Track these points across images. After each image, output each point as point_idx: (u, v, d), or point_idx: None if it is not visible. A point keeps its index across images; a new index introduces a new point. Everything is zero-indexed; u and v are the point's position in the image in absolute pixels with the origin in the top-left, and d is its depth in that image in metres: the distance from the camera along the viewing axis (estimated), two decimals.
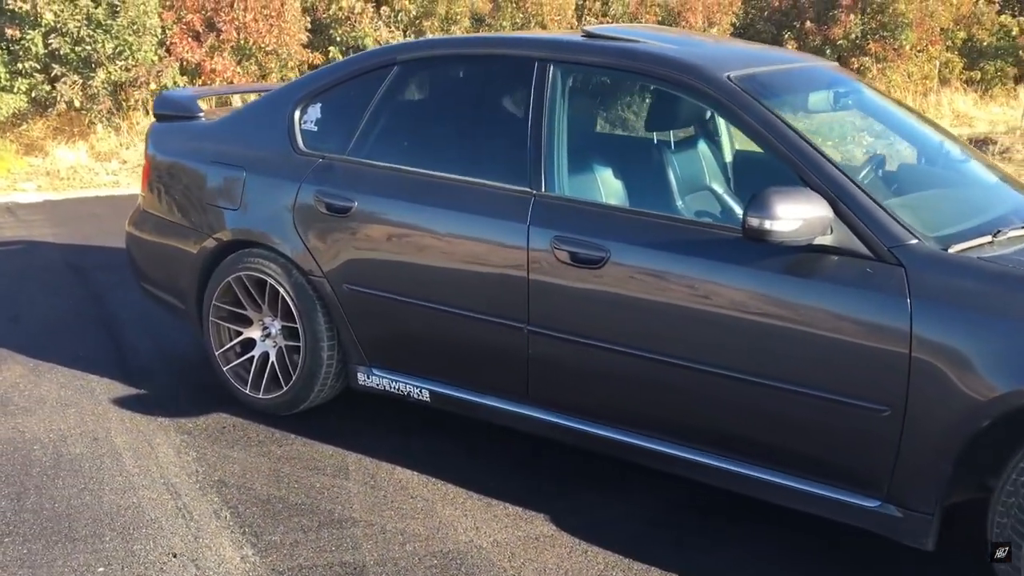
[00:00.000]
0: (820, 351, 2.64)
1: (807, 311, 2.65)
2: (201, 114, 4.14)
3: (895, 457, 2.59)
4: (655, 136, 3.65)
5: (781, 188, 2.59)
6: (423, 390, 3.46)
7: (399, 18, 12.19)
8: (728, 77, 2.98)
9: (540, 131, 3.16)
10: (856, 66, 14.85)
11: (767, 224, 2.55)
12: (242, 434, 3.68)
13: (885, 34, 14.77)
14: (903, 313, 2.51)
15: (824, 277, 2.64)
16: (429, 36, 3.63)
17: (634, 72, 3.21)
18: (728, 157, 3.88)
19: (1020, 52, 16.12)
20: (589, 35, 3.39)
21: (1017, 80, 16.60)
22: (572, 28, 12.78)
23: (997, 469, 2.51)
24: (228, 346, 3.86)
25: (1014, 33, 16.07)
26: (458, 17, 12.45)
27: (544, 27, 12.61)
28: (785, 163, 2.77)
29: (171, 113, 4.21)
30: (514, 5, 12.79)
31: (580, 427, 3.15)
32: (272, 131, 3.77)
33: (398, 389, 3.52)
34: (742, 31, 14.50)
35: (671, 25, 13.18)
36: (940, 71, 15.99)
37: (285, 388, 3.71)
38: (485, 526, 3.06)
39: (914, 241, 2.59)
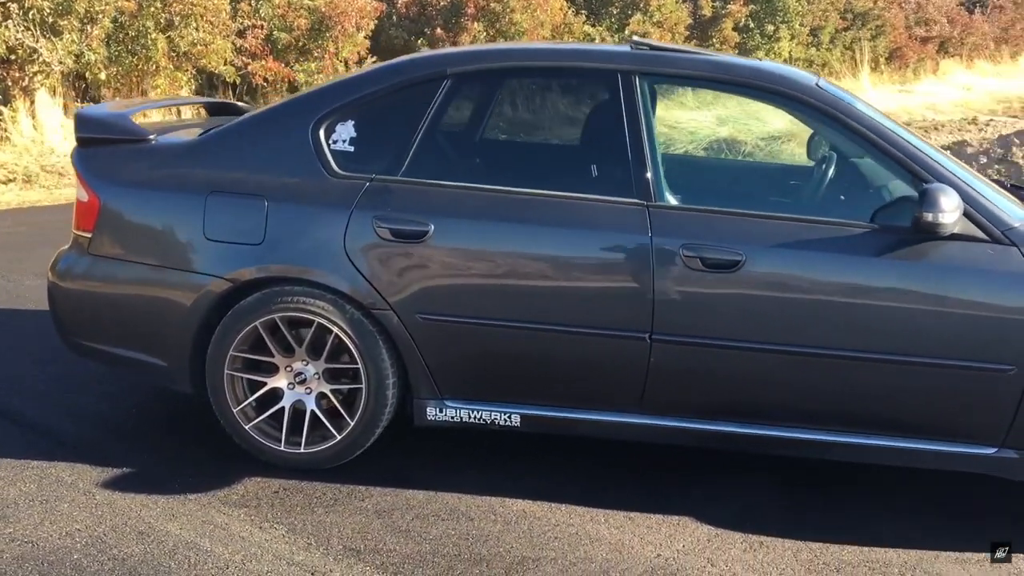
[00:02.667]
0: (956, 325, 3.06)
1: (944, 291, 3.06)
2: (152, 136, 3.56)
3: (1016, 407, 3.07)
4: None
5: (938, 186, 2.96)
6: (512, 415, 3.35)
7: (30, 16, 10.85)
8: (818, 85, 3.28)
9: (641, 143, 3.22)
10: None
11: (940, 218, 2.91)
12: (305, 496, 3.28)
13: (504, 41, 15.93)
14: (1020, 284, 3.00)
15: (956, 261, 3.05)
16: (473, 46, 3.39)
17: (731, 84, 3.38)
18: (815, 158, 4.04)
19: None
20: (638, 45, 3.48)
21: None
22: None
23: None
24: (249, 401, 3.40)
25: (596, 41, 18.11)
26: (99, 16, 11.36)
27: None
28: (898, 164, 3.14)
29: (106, 136, 3.57)
30: (158, 5, 11.90)
31: (703, 427, 3.28)
32: (290, 153, 3.38)
33: (479, 418, 3.37)
34: (375, 36, 14.75)
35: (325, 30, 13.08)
36: None
37: (339, 437, 3.37)
38: (652, 536, 3.10)
39: (1017, 224, 3.09)
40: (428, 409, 3.38)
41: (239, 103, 4.58)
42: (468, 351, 3.31)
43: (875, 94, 18.71)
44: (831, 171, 3.71)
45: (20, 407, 3.89)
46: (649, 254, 3.14)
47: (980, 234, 3.07)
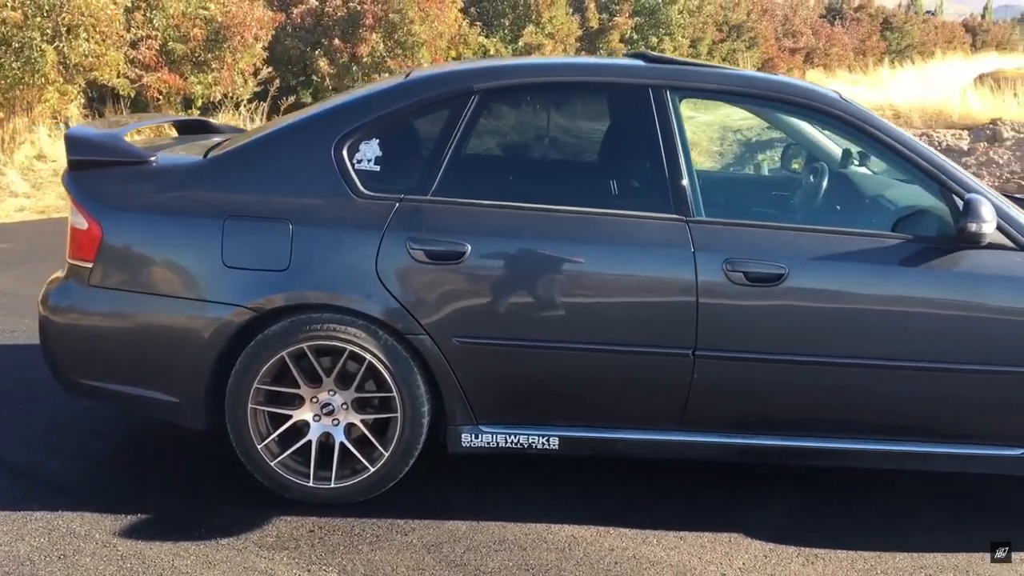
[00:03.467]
0: (990, 331, 3.16)
1: (980, 299, 3.15)
2: (152, 158, 3.34)
3: None
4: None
5: (978, 197, 3.05)
6: (550, 438, 3.28)
7: None
8: (841, 98, 3.33)
9: (676, 157, 3.21)
10: None
11: (983, 228, 3.00)
12: (344, 534, 3.12)
13: (404, 52, 15.81)
14: None
15: (990, 268, 3.14)
16: (497, 61, 3.29)
17: (760, 98, 3.40)
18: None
19: None
20: (648, 59, 3.47)
21: None
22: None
23: None
24: (273, 436, 3.22)
25: (491, 52, 18.17)
26: None
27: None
28: (926, 176, 3.22)
29: (101, 159, 3.33)
30: (44, 15, 11.30)
31: (744, 441, 3.28)
32: (313, 173, 3.23)
33: (516, 443, 3.28)
34: (271, 47, 14.40)
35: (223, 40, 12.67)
36: None
37: (372, 469, 3.22)
38: (709, 555, 3.08)
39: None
40: (463, 435, 3.27)
41: (210, 120, 4.35)
42: (506, 374, 3.22)
43: None
44: (825, 182, 3.76)
45: (1, 452, 3.57)
46: (693, 269, 3.12)
47: (1008, 243, 3.17)
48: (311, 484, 3.23)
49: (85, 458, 3.58)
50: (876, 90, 23.03)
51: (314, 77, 15.36)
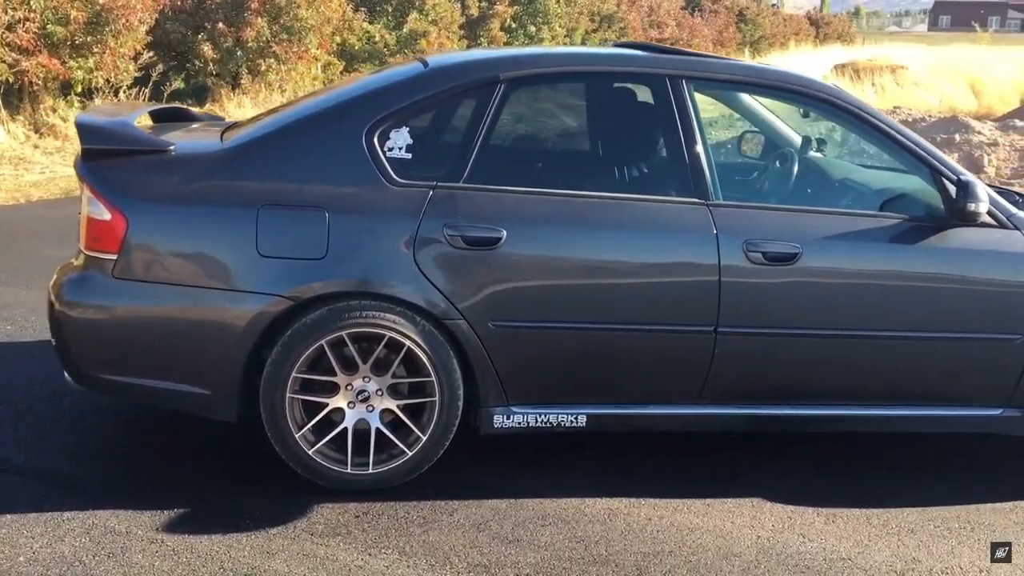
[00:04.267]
0: (979, 301, 3.46)
1: (970, 272, 3.45)
2: (172, 146, 3.29)
3: (1021, 372, 3.53)
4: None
5: (973, 179, 3.34)
6: (578, 416, 3.40)
7: None
8: (837, 88, 3.57)
9: (694, 143, 3.37)
10: (263, 68, 15.47)
11: (980, 207, 3.29)
12: (391, 517, 3.17)
13: (289, 37, 15.55)
14: None
15: (976, 244, 3.44)
16: (522, 50, 3.30)
17: (767, 87, 3.59)
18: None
19: (386, 57, 18.21)
20: (648, 48, 3.63)
21: None
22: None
23: None
24: (312, 423, 3.24)
25: (376, 39, 18.06)
26: None
27: None
28: (918, 160, 3.49)
29: (119, 148, 3.25)
30: None
31: (758, 411, 3.49)
32: (346, 161, 3.24)
33: (546, 422, 3.40)
34: (151, 31, 13.89)
35: None
36: (324, 72, 17.36)
37: (410, 453, 3.28)
38: (740, 520, 3.26)
39: (1016, 211, 3.53)
40: (496, 417, 3.36)
41: (188, 108, 4.25)
42: (539, 355, 3.32)
43: None
44: (795, 166, 4.00)
45: (3, 452, 3.43)
46: (716, 251, 3.29)
47: (992, 222, 3.47)
48: (349, 471, 3.25)
49: (96, 456, 3.49)
50: None
51: (196, 62, 14.90)
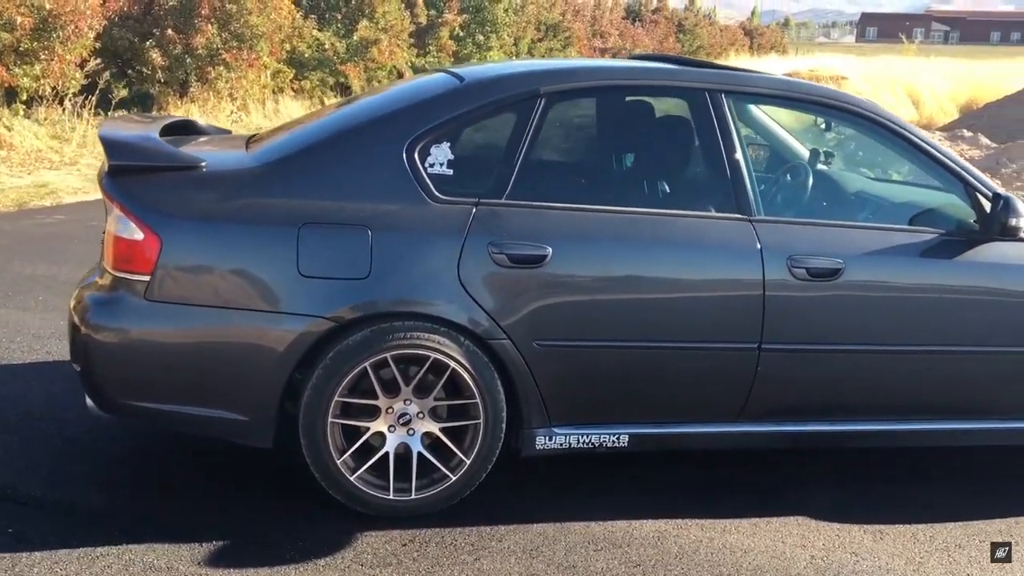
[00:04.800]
0: (1019, 314, 3.47)
1: (1012, 285, 3.46)
2: (203, 162, 3.16)
3: None
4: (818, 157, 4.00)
5: (1012, 196, 3.36)
6: (620, 436, 3.34)
7: None
8: (874, 104, 3.58)
9: (736, 158, 3.34)
10: (212, 75, 15.20)
11: (1022, 223, 3.31)
12: (439, 545, 3.06)
13: (240, 44, 15.29)
14: None
15: (1016, 259, 3.46)
16: (564, 61, 3.25)
17: (805, 102, 3.57)
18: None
19: (336, 65, 18.01)
20: (679, 62, 3.60)
21: (335, 89, 18.54)
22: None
23: None
24: (352, 449, 3.13)
25: (326, 46, 17.84)
26: None
27: None
28: (953, 176, 3.51)
29: (148, 164, 3.11)
30: None
31: (798, 429, 3.47)
32: (386, 178, 3.14)
33: (587, 443, 3.32)
34: (99, 37, 13.50)
35: None
36: (274, 79, 17.12)
37: (454, 477, 3.19)
38: (790, 540, 3.23)
39: None
40: (538, 438, 3.28)
41: (195, 121, 4.10)
42: (583, 375, 3.25)
43: None
44: (810, 180, 3.99)
45: (16, 485, 3.25)
46: (760, 267, 3.26)
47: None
48: (391, 497, 3.14)
49: (129, 484, 3.34)
50: None
51: (143, 69, 14.53)
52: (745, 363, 3.31)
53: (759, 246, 3.27)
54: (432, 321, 3.09)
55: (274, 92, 17.33)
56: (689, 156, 3.50)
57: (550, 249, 3.13)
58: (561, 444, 3.30)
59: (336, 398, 3.05)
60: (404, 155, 3.14)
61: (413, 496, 3.16)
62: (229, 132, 4.22)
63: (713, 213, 3.32)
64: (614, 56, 31.54)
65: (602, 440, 3.32)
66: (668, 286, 3.25)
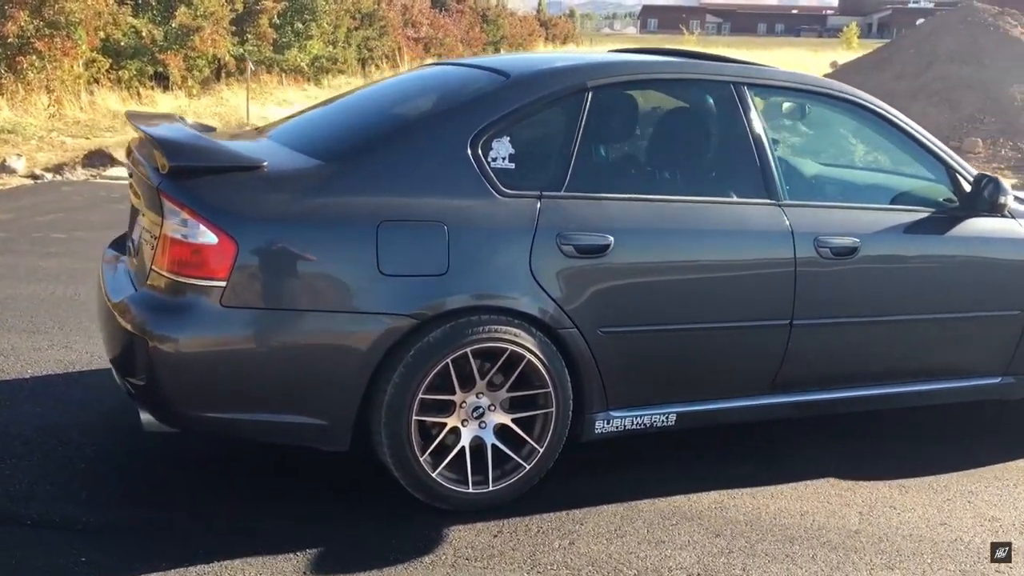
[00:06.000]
0: (992, 281, 3.89)
1: (990, 255, 3.86)
2: (265, 162, 3.06)
3: (1017, 343, 4.02)
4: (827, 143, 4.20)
5: (997, 177, 3.75)
6: (669, 415, 3.49)
7: None
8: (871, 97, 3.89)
9: (764, 146, 3.56)
10: (24, 65, 14.23)
11: (1008, 200, 3.71)
12: (527, 534, 3.10)
13: (54, 32, 14.36)
14: None
15: (990, 232, 3.87)
16: (604, 56, 3.17)
17: (813, 94, 3.81)
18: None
19: (155, 53, 17.18)
20: (693, 56, 3.81)
21: (155, 79, 17.69)
22: None
23: None
24: (434, 445, 3.13)
25: (143, 34, 16.99)
26: None
27: None
28: (938, 160, 3.87)
29: (208, 165, 2.99)
30: None
31: (820, 397, 3.73)
32: (455, 173, 3.13)
33: (641, 423, 3.45)
34: None
35: None
36: (87, 69, 16.15)
37: (528, 466, 3.24)
38: (836, 500, 3.48)
39: (1015, 204, 3.97)
40: (597, 423, 3.37)
41: (176, 115, 3.90)
42: (641, 359, 3.37)
43: None
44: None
45: (62, 512, 3.03)
46: (792, 248, 3.49)
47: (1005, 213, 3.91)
48: (471, 490, 3.16)
49: (191, 499, 3.16)
50: None
51: None
52: (779, 339, 3.54)
53: (791, 229, 3.49)
54: (508, 314, 3.11)
55: (89, 83, 16.30)
56: (723, 145, 3.66)
57: (612, 238, 3.22)
58: (617, 427, 3.40)
59: (420, 396, 3.02)
60: (469, 150, 3.14)
61: (491, 488, 3.18)
62: (213, 128, 4.04)
63: (748, 199, 3.51)
64: (426, 46, 31.53)
65: (653, 420, 3.45)
66: (720, 271, 3.42)
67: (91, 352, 4.40)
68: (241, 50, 19.46)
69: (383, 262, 2.95)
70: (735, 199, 3.50)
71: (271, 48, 20.68)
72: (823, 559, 3.05)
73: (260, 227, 2.90)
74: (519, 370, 3.15)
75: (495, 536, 3.06)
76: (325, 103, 4.11)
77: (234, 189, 2.92)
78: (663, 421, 3.46)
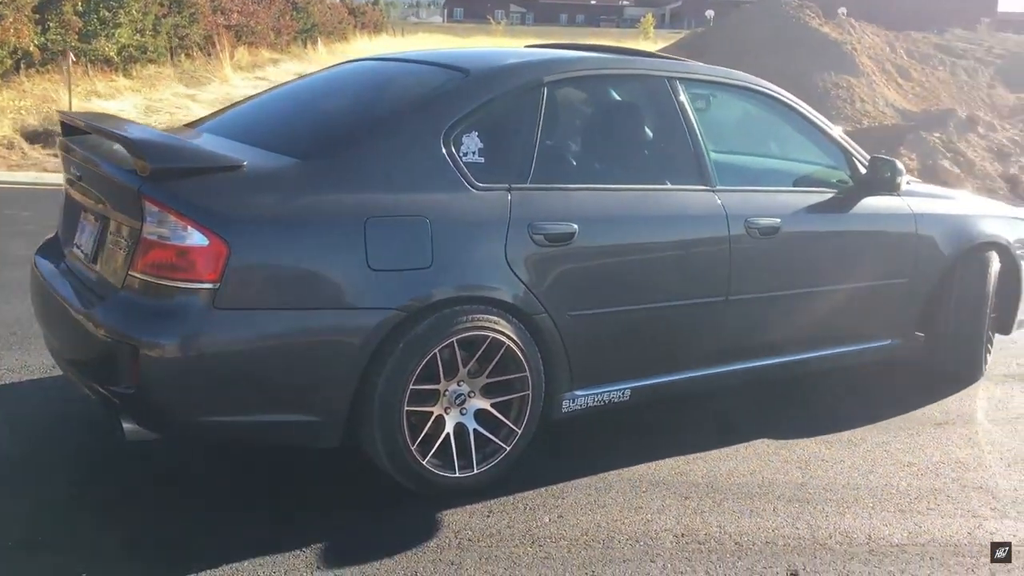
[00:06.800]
0: (887, 252, 4.34)
1: (886, 228, 4.31)
2: (244, 162, 3.06)
3: (907, 308, 4.51)
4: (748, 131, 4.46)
5: (893, 159, 4.19)
6: (624, 391, 3.70)
7: None
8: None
9: (696, 136, 3.84)
10: None
11: (904, 180, 4.15)
12: (518, 512, 3.25)
13: None
14: (913, 221, 4.42)
15: (884, 209, 4.32)
16: (555, 53, 3.12)
17: (734, 87, 4.11)
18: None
19: None
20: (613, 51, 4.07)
21: None
22: None
23: None
24: (423, 434, 3.23)
25: None
26: None
27: None
28: (835, 145, 4.29)
29: (189, 167, 2.97)
30: None
31: (753, 365, 4.05)
32: (431, 168, 3.22)
33: (601, 400, 3.64)
34: None
35: None
36: None
37: (508, 448, 3.39)
38: (786, 454, 3.83)
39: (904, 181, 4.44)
40: (564, 403, 3.55)
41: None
42: (603, 340, 3.57)
43: (240, 81, 19.32)
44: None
45: (91, 534, 2.93)
46: (727, 229, 3.78)
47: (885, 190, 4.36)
48: (457, 475, 3.27)
49: (186, 506, 3.10)
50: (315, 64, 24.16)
51: None
52: (719, 313, 3.83)
53: (724, 212, 3.78)
54: (488, 303, 3.24)
55: None
56: (665, 135, 3.90)
57: (576, 226, 3.40)
58: (581, 405, 3.59)
59: (411, 387, 3.11)
60: (442, 145, 3.23)
61: (476, 471, 3.29)
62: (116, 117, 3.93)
63: (688, 186, 3.77)
64: (238, 33, 30.56)
65: (610, 397, 3.66)
66: (667, 251, 3.67)
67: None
68: (44, 39, 18.28)
69: (372, 257, 3.00)
70: (679, 186, 3.75)
71: (76, 38, 19.53)
72: (783, 511, 3.34)
73: (251, 228, 2.89)
74: (498, 356, 3.26)
75: (487, 517, 3.18)
76: (251, 99, 4.08)
77: (221, 190, 2.89)
78: (619, 397, 3.67)
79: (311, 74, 4.28)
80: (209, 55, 26.62)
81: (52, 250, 3.66)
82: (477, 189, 3.24)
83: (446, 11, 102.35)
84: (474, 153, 3.29)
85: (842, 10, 22.05)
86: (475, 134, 3.30)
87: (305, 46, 36.40)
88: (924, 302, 4.53)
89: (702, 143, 3.81)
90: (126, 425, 2.93)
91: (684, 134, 3.79)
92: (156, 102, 14.53)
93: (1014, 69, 22.56)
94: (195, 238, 2.82)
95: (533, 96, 3.47)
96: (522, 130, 3.43)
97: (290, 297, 2.94)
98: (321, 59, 28.01)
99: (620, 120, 3.96)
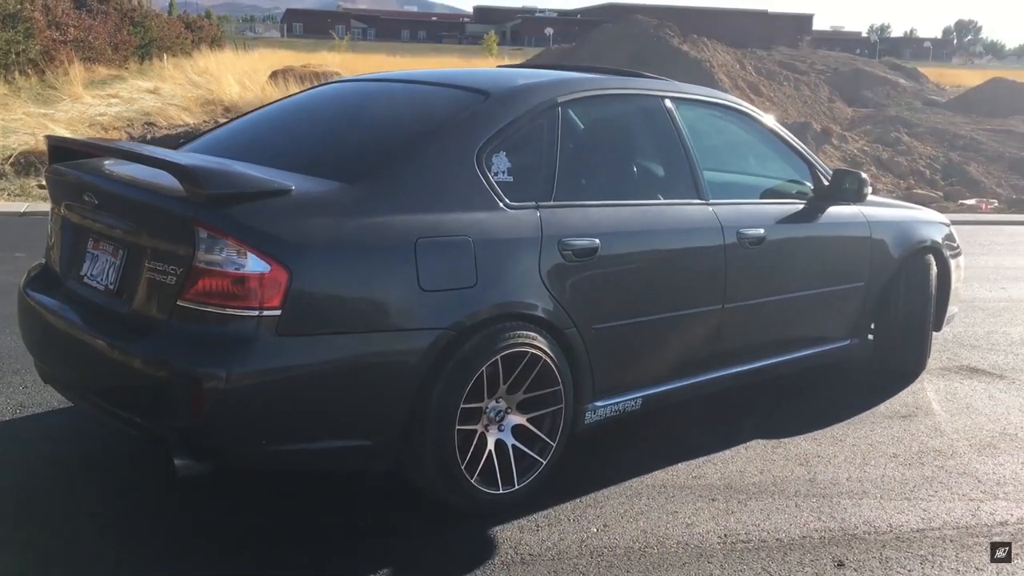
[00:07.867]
0: (847, 258, 4.63)
1: (848, 235, 4.59)
2: (292, 186, 3.01)
3: (864, 309, 4.82)
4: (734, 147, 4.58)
5: (858, 171, 4.47)
6: (636, 400, 3.81)
7: None
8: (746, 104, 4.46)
9: (690, 150, 4.01)
10: None
11: (869, 192, 4.44)
12: (568, 524, 3.32)
13: None
14: (868, 227, 4.73)
15: (845, 218, 4.61)
16: (564, 74, 2.99)
17: (712, 105, 4.28)
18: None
19: None
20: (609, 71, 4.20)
21: None
22: None
23: None
24: (470, 451, 3.24)
25: None
26: None
27: None
28: (799, 158, 4.54)
29: (242, 192, 2.90)
30: None
31: (741, 369, 4.23)
32: (467, 188, 3.24)
33: (616, 410, 3.72)
34: None
35: None
36: None
37: (544, 461, 3.44)
38: (770, 454, 4.01)
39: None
40: (586, 414, 3.63)
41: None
42: (620, 350, 3.67)
43: (92, 100, 18.43)
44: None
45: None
46: (723, 239, 3.96)
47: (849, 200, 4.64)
48: (501, 491, 3.29)
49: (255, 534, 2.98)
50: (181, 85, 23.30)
51: None
52: (714, 320, 3.98)
53: (720, 224, 3.95)
54: (526, 319, 3.27)
55: None
56: (665, 151, 4.02)
57: (598, 241, 3.49)
58: (601, 416, 3.67)
59: (462, 406, 3.11)
60: (476, 165, 3.26)
61: (517, 486, 3.32)
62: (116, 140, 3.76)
63: (688, 200, 3.92)
64: (75, 48, 29.19)
65: (624, 406, 3.75)
66: (677, 262, 3.80)
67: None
68: None
69: (423, 278, 3.00)
70: (681, 200, 3.89)
71: None
72: (805, 506, 3.51)
73: (310, 253, 2.84)
74: (535, 372, 3.30)
75: (537, 531, 3.20)
76: (245, 119, 3.99)
77: (278, 215, 2.83)
78: (632, 406, 3.77)
79: (296, 95, 4.20)
80: (44, 72, 25.31)
81: (45, 281, 3.46)
82: (510, 208, 3.28)
83: (285, 26, 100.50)
84: (504, 172, 3.32)
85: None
86: (503, 154, 3.34)
87: (142, 62, 35.18)
88: (876, 303, 4.83)
89: (695, 157, 3.97)
90: (178, 461, 2.80)
91: (680, 150, 3.94)
92: (11, 122, 13.66)
93: (838, 83, 24.17)
94: (254, 264, 2.74)
95: (550, 116, 3.54)
96: (543, 149, 3.49)
97: (348, 321, 2.90)
98: (168, 74, 27.01)
99: (626, 137, 4.07)
